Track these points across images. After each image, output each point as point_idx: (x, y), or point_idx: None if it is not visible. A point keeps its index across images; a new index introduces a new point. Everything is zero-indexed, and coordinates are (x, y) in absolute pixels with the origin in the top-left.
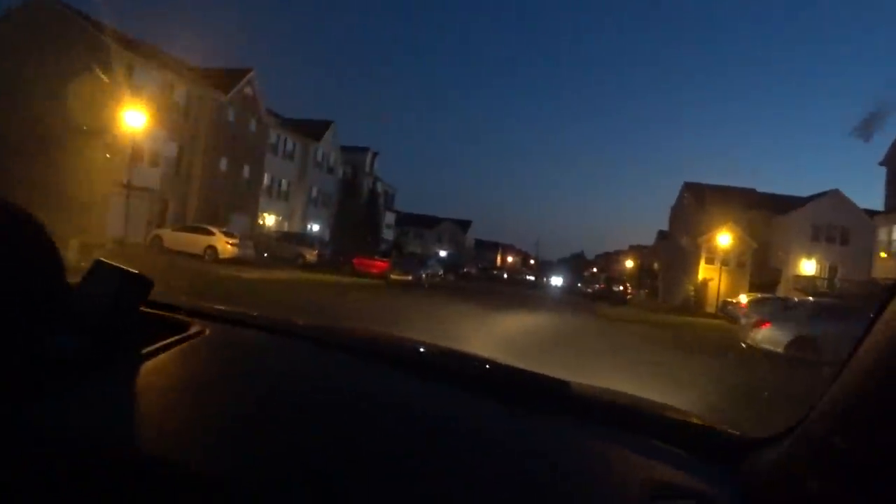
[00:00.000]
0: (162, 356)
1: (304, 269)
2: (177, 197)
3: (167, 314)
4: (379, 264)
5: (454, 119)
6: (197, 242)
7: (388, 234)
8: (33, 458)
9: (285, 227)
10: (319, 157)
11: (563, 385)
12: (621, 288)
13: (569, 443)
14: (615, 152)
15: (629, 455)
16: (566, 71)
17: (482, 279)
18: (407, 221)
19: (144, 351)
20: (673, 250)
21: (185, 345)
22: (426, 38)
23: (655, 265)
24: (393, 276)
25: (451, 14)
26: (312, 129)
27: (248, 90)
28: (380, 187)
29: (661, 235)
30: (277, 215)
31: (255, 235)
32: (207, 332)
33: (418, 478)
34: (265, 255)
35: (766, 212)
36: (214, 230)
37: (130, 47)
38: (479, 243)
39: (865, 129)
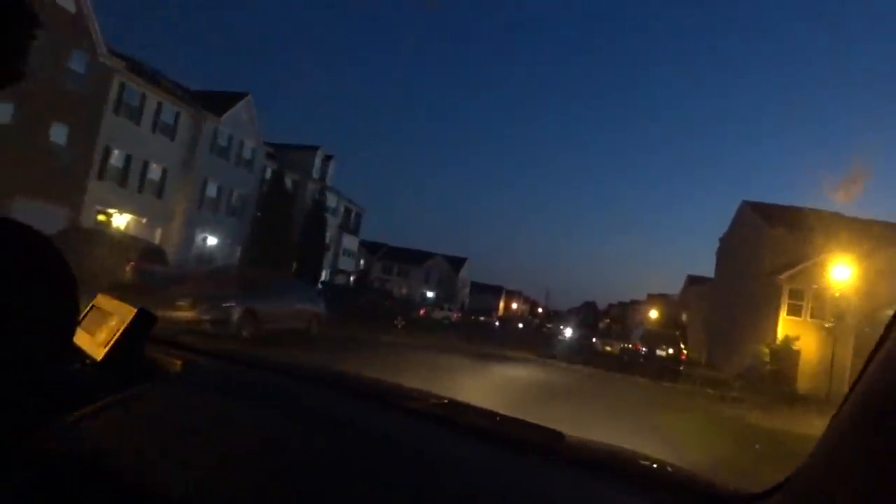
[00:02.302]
0: (161, 388)
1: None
2: None
3: (169, 349)
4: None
5: (455, 158)
6: None
7: (348, 263)
8: (34, 479)
9: (157, 236)
10: (223, 141)
11: (558, 436)
12: (670, 351)
13: (563, 492)
14: (627, 198)
15: None
16: (576, 115)
17: (451, 329)
18: (392, 256)
19: (145, 383)
20: (723, 296)
21: (184, 379)
22: (419, 53)
23: (684, 316)
24: None
25: (452, 24)
26: (213, 101)
27: (64, 4)
28: (334, 200)
29: (692, 281)
30: (139, 215)
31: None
32: (205, 367)
33: None
34: None
35: (866, 242)
36: None
37: None
38: (478, 286)
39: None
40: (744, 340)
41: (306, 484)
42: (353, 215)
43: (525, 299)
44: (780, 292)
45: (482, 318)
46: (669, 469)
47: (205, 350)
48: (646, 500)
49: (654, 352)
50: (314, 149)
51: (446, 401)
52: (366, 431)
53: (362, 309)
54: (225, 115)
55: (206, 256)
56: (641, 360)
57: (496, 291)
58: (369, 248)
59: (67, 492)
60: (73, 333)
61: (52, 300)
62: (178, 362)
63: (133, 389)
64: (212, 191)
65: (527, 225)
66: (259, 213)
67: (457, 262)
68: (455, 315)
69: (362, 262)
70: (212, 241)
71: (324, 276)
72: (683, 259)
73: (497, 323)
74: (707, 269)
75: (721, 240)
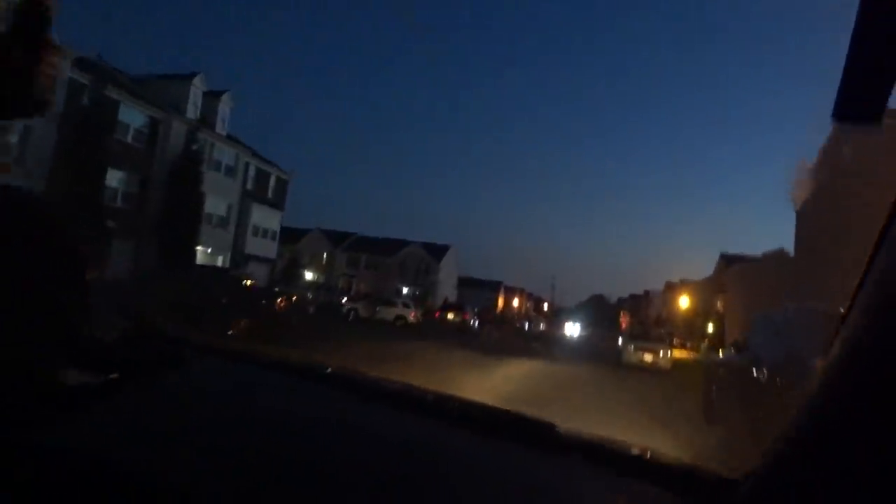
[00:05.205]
0: (160, 387)
1: None
2: None
3: (167, 347)
4: None
5: (446, 140)
6: None
7: (266, 247)
8: (38, 479)
9: None
10: None
11: (548, 426)
12: None
13: (551, 479)
14: (629, 186)
15: (610, 492)
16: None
17: (382, 335)
18: (360, 246)
19: (144, 382)
20: (824, 265)
21: (183, 376)
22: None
23: (719, 304)
24: None
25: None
26: None
27: None
28: (231, 155)
29: (728, 260)
30: None
31: None
32: (205, 364)
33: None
34: None
35: None
36: None
37: None
38: (471, 281)
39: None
40: None
41: (304, 478)
42: (272, 181)
43: (529, 295)
44: None
45: (450, 317)
46: (655, 456)
47: (201, 345)
48: (632, 487)
49: None
50: (188, 78)
51: (438, 393)
52: (359, 424)
53: (191, 306)
54: None
55: None
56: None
57: (493, 287)
58: (333, 237)
59: (64, 488)
60: (78, 337)
61: (58, 286)
62: (175, 358)
63: (131, 387)
64: None
65: (528, 219)
66: (61, 158)
67: (437, 251)
68: (412, 314)
69: (325, 255)
70: None
71: (220, 261)
72: (698, 244)
73: (476, 323)
74: (738, 247)
75: (800, 182)
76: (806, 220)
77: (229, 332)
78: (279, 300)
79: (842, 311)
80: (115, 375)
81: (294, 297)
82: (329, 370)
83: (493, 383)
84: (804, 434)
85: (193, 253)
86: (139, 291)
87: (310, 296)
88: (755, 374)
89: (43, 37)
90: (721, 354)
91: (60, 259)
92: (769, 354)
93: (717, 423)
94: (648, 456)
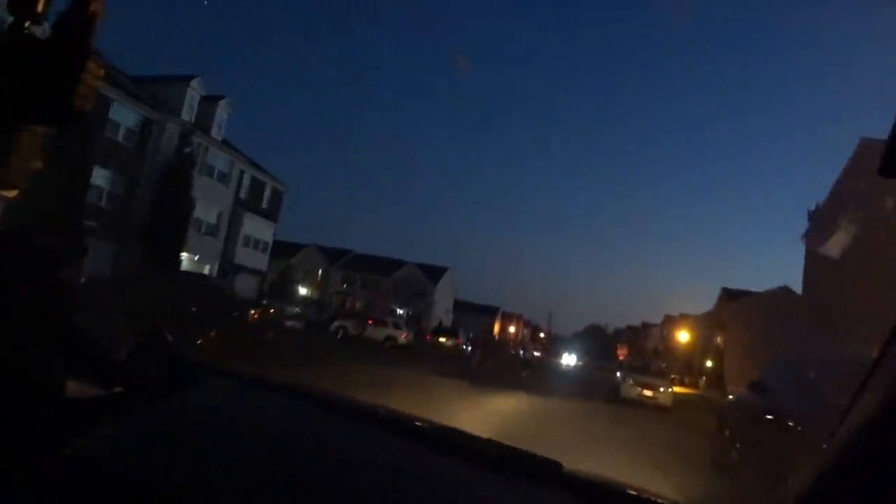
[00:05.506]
0: (173, 406)
1: None
2: None
3: (183, 368)
4: None
5: (449, 166)
6: None
7: (257, 259)
8: (52, 491)
9: None
10: None
11: (555, 464)
12: None
13: None
14: (630, 219)
15: None
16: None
17: (366, 358)
18: (356, 264)
19: (160, 401)
20: (837, 305)
21: (196, 398)
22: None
23: (719, 339)
24: None
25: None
26: None
27: None
28: (226, 162)
29: (729, 295)
30: None
31: None
32: (220, 387)
33: None
34: None
35: None
36: None
37: None
38: (467, 305)
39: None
40: None
41: (298, 498)
42: (267, 191)
43: (526, 322)
44: None
45: (442, 340)
46: (660, 500)
47: (211, 366)
48: None
49: None
50: (185, 80)
51: (447, 427)
52: (367, 455)
53: (160, 314)
54: None
55: None
56: None
57: (490, 312)
58: (330, 253)
59: (64, 491)
60: (78, 347)
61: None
62: (192, 380)
63: (147, 403)
64: None
65: (528, 246)
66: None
67: (434, 273)
68: (403, 335)
69: (320, 271)
70: None
71: (208, 270)
72: (698, 277)
73: (469, 349)
74: (739, 283)
75: (813, 214)
76: (817, 259)
77: (198, 342)
78: (252, 312)
79: (874, 355)
80: (118, 390)
81: (272, 310)
82: (331, 396)
83: (481, 414)
84: (833, 484)
85: (178, 259)
86: (109, 294)
87: (297, 310)
88: (779, 420)
89: (88, 45)
90: (730, 395)
91: (33, 259)
92: (796, 400)
93: (729, 470)
94: (654, 500)
